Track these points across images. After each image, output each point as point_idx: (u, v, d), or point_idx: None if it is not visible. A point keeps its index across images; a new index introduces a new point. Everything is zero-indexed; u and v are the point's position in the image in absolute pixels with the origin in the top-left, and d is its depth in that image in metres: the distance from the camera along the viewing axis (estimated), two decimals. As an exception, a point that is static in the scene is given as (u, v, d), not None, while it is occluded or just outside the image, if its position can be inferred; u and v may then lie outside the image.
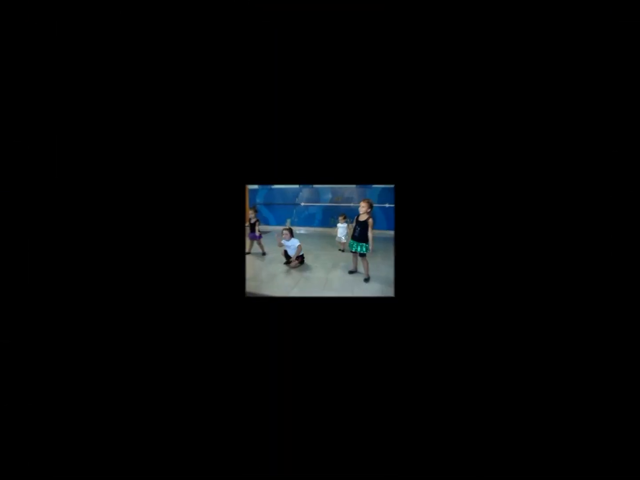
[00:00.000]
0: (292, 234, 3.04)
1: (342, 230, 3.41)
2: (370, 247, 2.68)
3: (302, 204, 3.25)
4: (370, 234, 2.70)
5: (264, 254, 3.66)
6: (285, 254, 3.20)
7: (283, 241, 3.09)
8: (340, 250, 3.58)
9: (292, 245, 3.10)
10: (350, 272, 2.97)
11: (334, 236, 3.43)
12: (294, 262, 3.14)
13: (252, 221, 3.71)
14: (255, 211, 3.65)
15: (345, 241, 3.30)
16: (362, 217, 2.77)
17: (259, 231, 3.60)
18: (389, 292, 2.24)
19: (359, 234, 2.79)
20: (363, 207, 2.65)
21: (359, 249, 2.81)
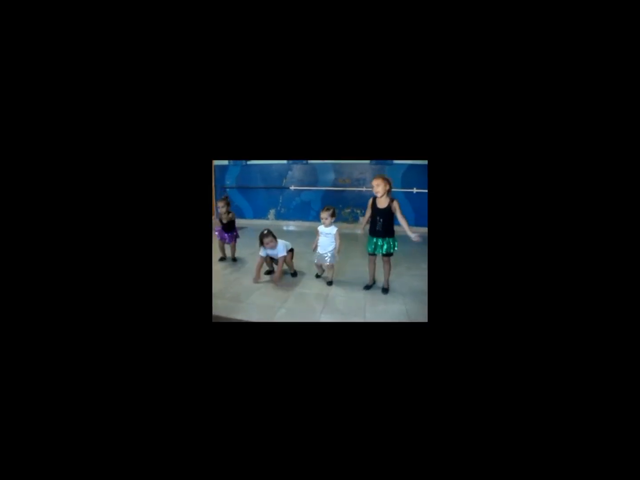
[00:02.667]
0: (272, 237, 2.23)
1: (325, 241, 2.27)
2: (412, 235, 1.83)
3: (292, 187, 2.40)
4: (403, 220, 1.92)
5: (234, 259, 2.78)
6: (270, 259, 2.39)
7: (262, 252, 2.26)
8: (318, 276, 2.44)
9: (279, 249, 2.27)
10: (367, 287, 2.17)
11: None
12: (280, 274, 2.26)
13: (224, 217, 2.70)
14: (228, 202, 2.72)
15: (330, 261, 2.27)
16: (382, 203, 1.94)
17: (222, 223, 2.58)
18: (419, 314, 1.67)
19: (383, 225, 1.96)
20: (379, 186, 1.87)
21: (384, 247, 1.99)
